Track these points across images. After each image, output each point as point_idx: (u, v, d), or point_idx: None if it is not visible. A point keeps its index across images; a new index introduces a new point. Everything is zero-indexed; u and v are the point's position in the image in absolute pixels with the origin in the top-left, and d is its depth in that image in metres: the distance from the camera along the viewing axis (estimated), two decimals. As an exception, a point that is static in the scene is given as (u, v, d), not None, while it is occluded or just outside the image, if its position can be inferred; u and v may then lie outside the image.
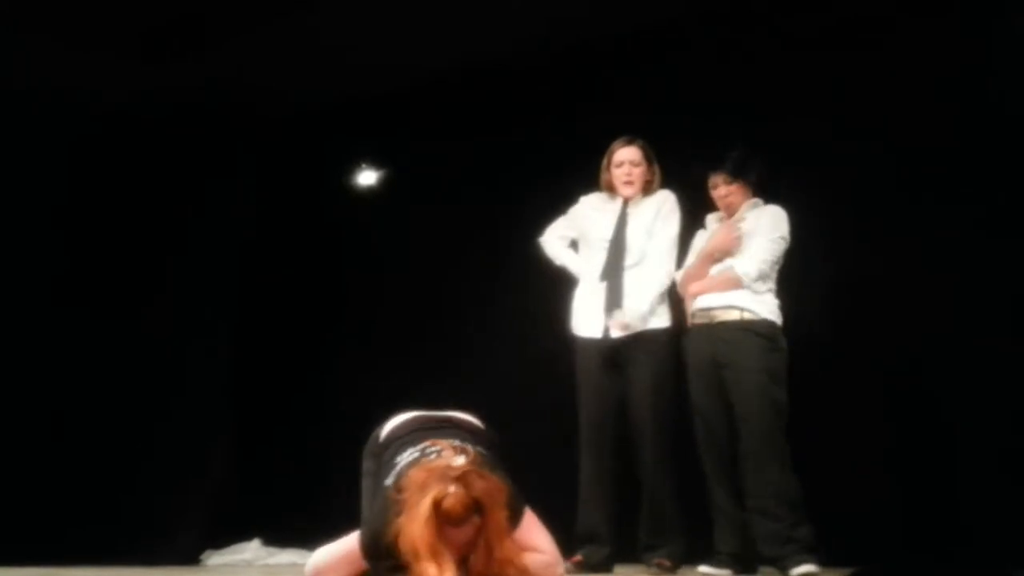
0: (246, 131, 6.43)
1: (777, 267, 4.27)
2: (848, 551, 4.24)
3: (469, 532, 2.86)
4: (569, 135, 5.64)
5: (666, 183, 4.63)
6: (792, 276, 4.32)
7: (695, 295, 4.32)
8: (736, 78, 5.19)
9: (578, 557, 4.37)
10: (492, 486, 2.91)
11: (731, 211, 4.37)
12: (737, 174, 4.35)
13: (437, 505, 2.82)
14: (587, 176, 5.50)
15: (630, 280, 4.44)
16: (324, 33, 5.61)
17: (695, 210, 4.54)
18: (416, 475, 2.94)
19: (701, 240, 4.46)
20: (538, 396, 5.14)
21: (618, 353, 4.43)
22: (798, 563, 3.88)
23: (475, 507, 2.84)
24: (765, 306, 4.22)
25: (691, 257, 4.45)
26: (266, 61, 5.80)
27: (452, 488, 2.84)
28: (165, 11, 5.33)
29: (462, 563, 2.88)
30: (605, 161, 4.63)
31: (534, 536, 3.10)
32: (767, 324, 4.18)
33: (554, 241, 4.73)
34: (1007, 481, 4.36)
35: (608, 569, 4.38)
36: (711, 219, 4.48)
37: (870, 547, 4.45)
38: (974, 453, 4.48)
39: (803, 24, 5.06)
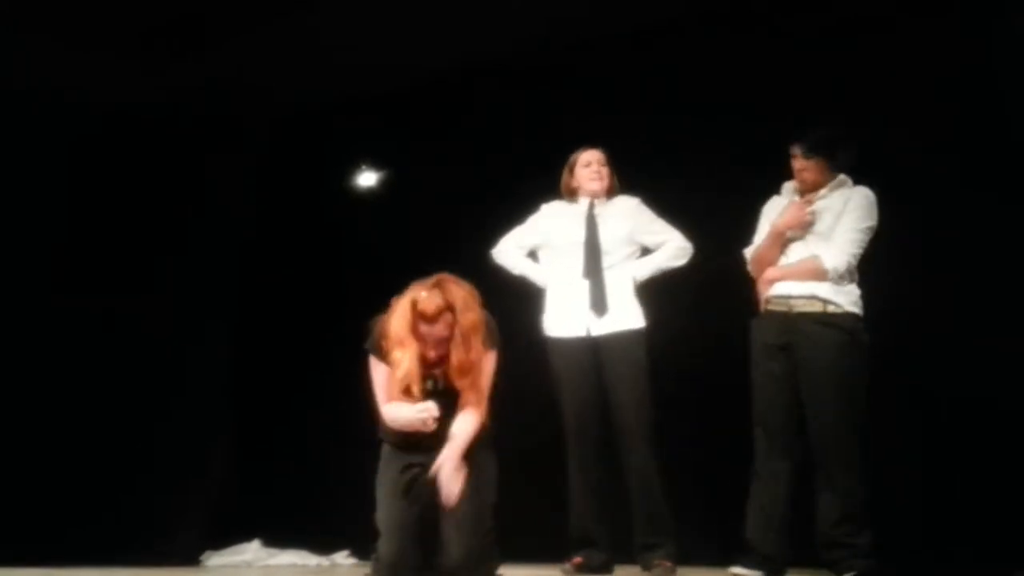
0: (246, 131, 6.42)
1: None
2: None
3: (444, 329, 3.41)
4: (569, 135, 5.63)
5: (662, 183, 4.65)
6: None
7: (771, 281, 4.10)
8: (736, 78, 5.19)
9: (578, 559, 4.37)
10: (467, 293, 3.47)
11: (805, 186, 4.16)
12: (813, 151, 4.11)
13: (414, 304, 3.44)
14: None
15: (608, 281, 4.46)
16: (324, 33, 5.61)
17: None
18: (409, 288, 3.54)
19: (772, 208, 4.25)
20: (540, 396, 5.13)
21: (598, 352, 4.42)
22: (849, 568, 3.81)
23: (447, 307, 3.41)
24: (848, 297, 4.00)
25: (763, 225, 4.24)
26: (266, 61, 5.79)
27: (430, 290, 3.45)
28: (165, 11, 5.32)
29: (444, 360, 3.45)
30: (567, 168, 4.67)
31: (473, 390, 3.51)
32: (851, 318, 3.98)
33: (511, 251, 4.76)
34: (1007, 481, 4.37)
35: (608, 571, 4.38)
36: (787, 187, 4.26)
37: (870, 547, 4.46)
38: (974, 452, 4.48)
39: (803, 24, 5.07)
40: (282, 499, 6.25)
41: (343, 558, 6.11)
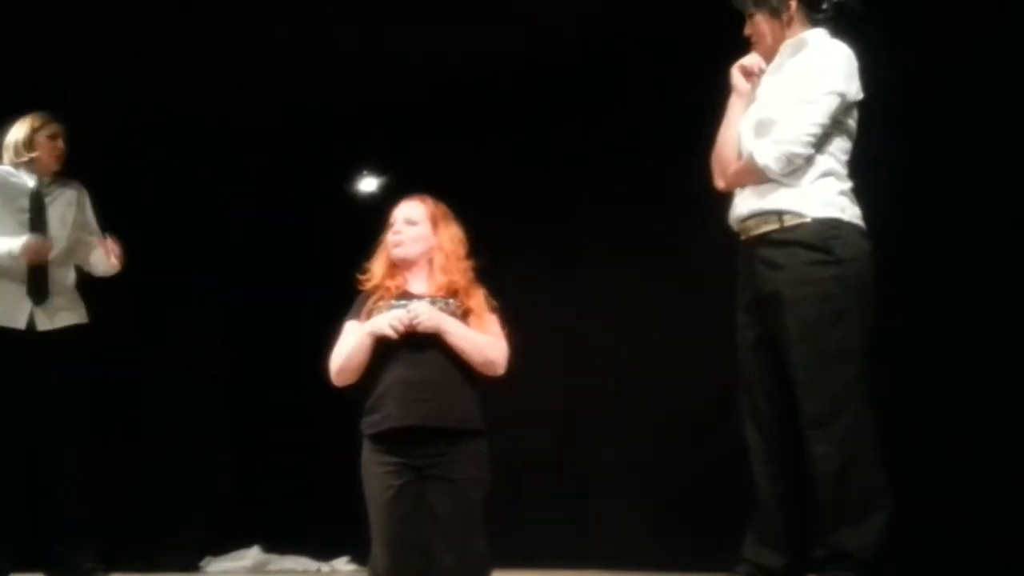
0: (246, 133, 6.42)
1: (824, 134, 2.93)
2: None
3: (416, 212, 3.44)
4: (568, 137, 5.64)
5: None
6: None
7: (726, 188, 3.11)
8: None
9: None
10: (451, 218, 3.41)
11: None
12: (756, 4, 3.06)
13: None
14: (590, 177, 5.51)
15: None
16: (324, 34, 5.61)
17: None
18: None
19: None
20: (539, 398, 5.13)
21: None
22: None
23: (421, 201, 3.45)
24: (814, 200, 2.92)
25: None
26: (266, 61, 5.79)
27: None
28: (164, 13, 5.32)
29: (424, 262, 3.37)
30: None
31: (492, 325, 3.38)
32: (818, 225, 2.89)
33: None
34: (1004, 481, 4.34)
35: None
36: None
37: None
38: (973, 453, 4.45)
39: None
40: (282, 505, 6.24)
41: (343, 564, 6.10)
